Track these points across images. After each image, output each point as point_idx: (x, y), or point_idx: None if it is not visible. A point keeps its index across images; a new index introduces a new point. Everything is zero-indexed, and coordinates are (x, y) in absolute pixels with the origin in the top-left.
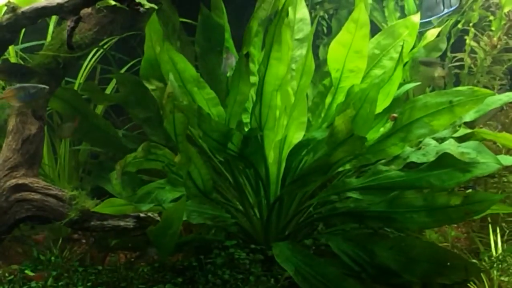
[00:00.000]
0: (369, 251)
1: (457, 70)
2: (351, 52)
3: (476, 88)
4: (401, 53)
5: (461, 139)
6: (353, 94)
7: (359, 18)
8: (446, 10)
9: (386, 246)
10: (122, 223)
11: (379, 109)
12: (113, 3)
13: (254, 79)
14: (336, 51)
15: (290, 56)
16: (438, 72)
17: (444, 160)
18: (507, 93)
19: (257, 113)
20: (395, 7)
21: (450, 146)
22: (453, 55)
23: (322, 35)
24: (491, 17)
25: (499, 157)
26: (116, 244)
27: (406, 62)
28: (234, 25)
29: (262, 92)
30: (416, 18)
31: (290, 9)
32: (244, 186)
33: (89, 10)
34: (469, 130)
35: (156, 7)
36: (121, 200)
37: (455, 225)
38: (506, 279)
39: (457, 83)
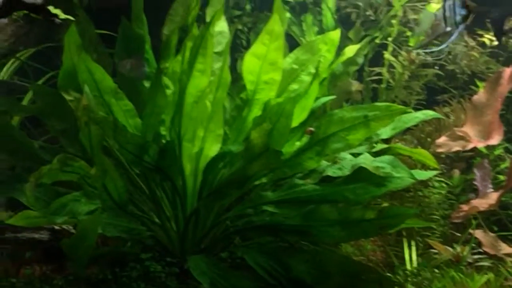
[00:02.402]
0: (284, 264)
1: (375, 85)
2: (265, 64)
3: (391, 104)
4: (317, 67)
5: (377, 154)
6: (269, 108)
7: (273, 30)
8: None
9: (302, 260)
10: (36, 236)
11: (295, 123)
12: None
13: (169, 91)
14: (251, 63)
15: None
16: (356, 86)
17: (359, 174)
18: (424, 111)
19: (177, 124)
20: (313, 21)
21: (365, 161)
22: (371, 69)
23: (241, 49)
24: (409, 33)
25: (414, 171)
26: (31, 256)
27: (325, 78)
28: (155, 36)
29: (183, 103)
30: (335, 35)
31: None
32: (160, 199)
33: (5, 20)
34: (385, 145)
35: (72, 18)
36: (35, 212)
37: (372, 239)
38: None
39: (375, 98)
